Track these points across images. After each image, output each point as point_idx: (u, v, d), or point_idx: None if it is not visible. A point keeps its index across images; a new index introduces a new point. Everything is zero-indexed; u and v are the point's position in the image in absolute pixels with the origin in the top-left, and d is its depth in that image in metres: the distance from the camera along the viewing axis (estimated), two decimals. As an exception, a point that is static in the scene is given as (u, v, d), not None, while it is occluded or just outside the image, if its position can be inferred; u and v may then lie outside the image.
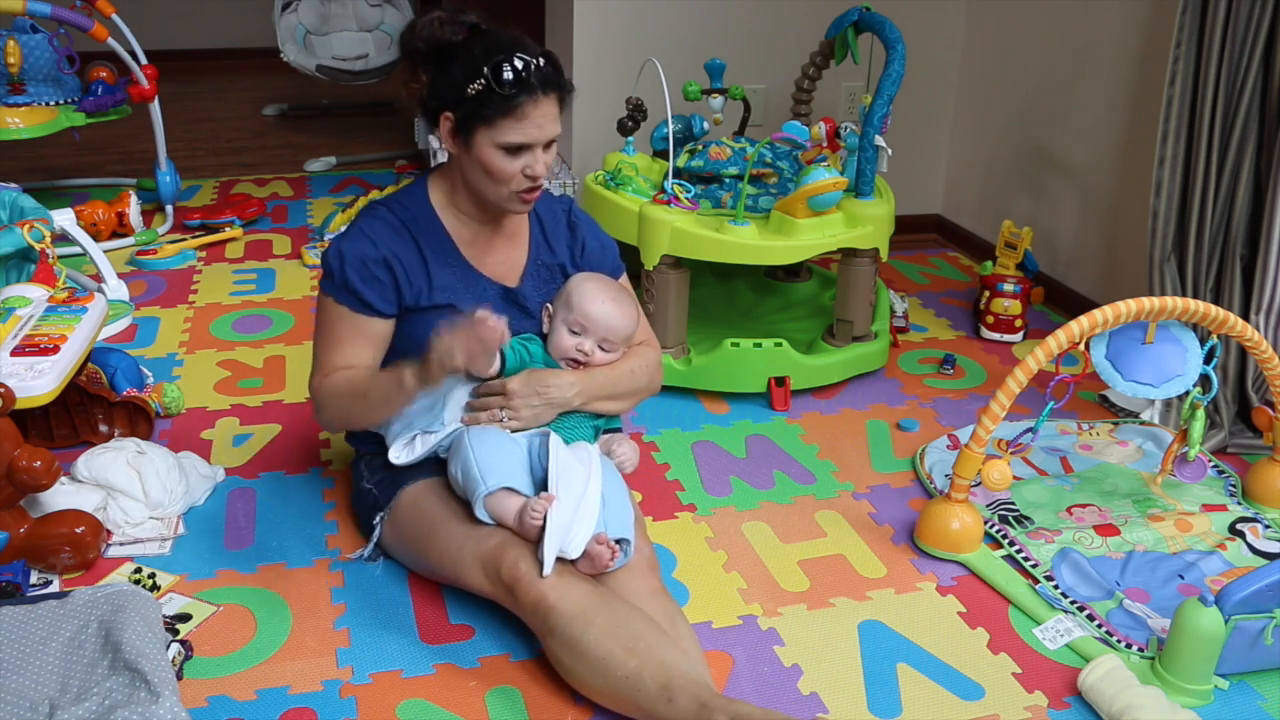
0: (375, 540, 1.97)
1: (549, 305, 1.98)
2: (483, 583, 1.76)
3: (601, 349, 1.94)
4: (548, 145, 1.82)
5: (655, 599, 1.73)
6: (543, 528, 1.70)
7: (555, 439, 1.84)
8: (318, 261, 3.38)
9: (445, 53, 1.79)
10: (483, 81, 1.74)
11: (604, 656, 1.60)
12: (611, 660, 1.60)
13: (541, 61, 1.77)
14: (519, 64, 1.74)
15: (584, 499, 1.75)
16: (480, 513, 1.76)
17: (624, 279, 2.08)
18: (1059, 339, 1.93)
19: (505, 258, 1.97)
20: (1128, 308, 1.95)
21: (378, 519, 1.95)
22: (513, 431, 1.86)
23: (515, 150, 1.78)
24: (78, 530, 1.92)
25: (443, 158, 3.33)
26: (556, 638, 1.65)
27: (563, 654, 1.65)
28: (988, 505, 2.19)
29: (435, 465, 1.91)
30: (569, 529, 1.71)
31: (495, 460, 1.77)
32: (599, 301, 1.92)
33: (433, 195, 1.93)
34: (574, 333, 1.92)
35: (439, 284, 1.89)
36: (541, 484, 1.78)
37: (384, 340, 1.90)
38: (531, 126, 1.77)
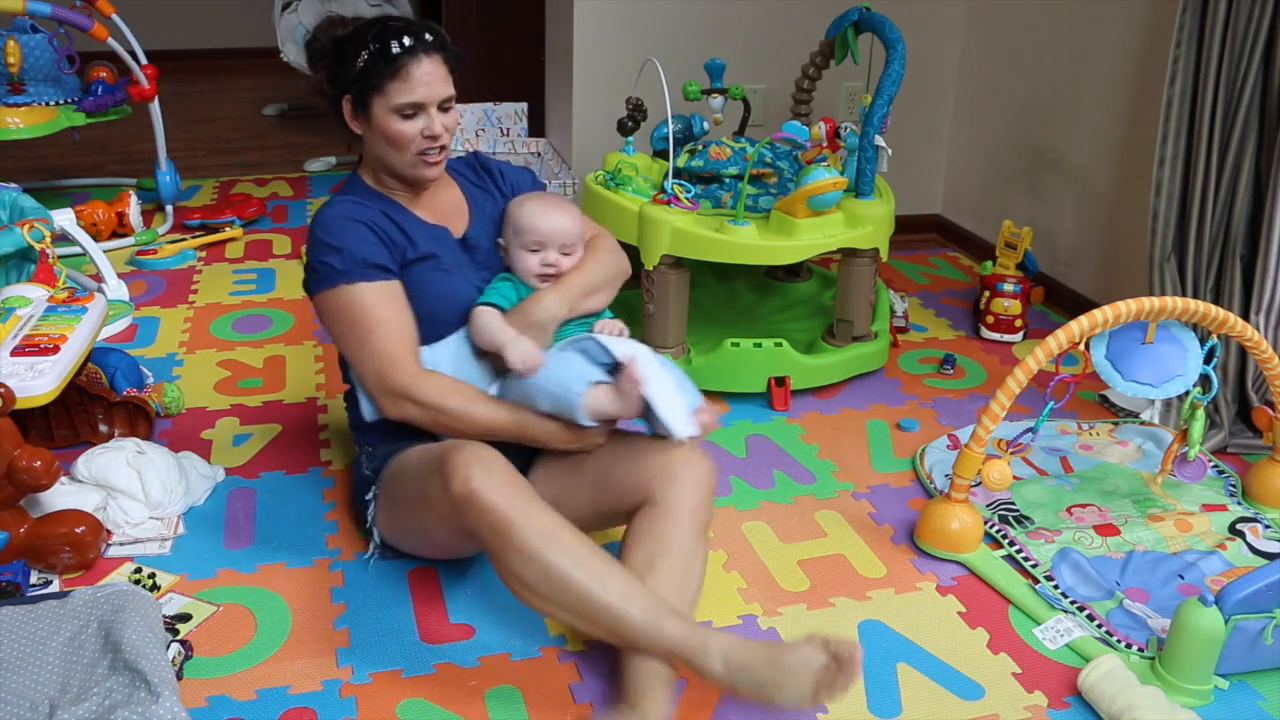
0: (371, 518, 1.94)
1: (500, 240, 2.02)
2: (441, 501, 1.70)
3: (564, 255, 1.98)
4: (444, 107, 1.90)
5: (698, 515, 1.79)
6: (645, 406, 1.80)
7: (599, 334, 1.92)
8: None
9: (339, 45, 1.90)
10: (367, 52, 1.85)
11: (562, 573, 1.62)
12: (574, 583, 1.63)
13: (422, 28, 1.88)
14: (400, 31, 1.85)
15: (669, 375, 1.87)
16: (583, 419, 1.82)
17: None
18: (1059, 339, 1.93)
19: (444, 208, 2.02)
20: (1128, 308, 1.95)
21: (370, 494, 1.93)
22: (526, 370, 1.84)
23: (410, 113, 1.87)
24: (78, 530, 1.92)
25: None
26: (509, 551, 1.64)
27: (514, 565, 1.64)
28: (988, 505, 2.19)
29: (429, 438, 1.92)
30: (675, 397, 1.83)
31: (569, 370, 1.84)
32: (544, 214, 1.98)
33: (366, 180, 2.00)
34: (534, 251, 1.97)
35: (415, 236, 1.94)
36: (612, 371, 1.85)
37: (406, 302, 1.91)
38: (420, 86, 1.85)
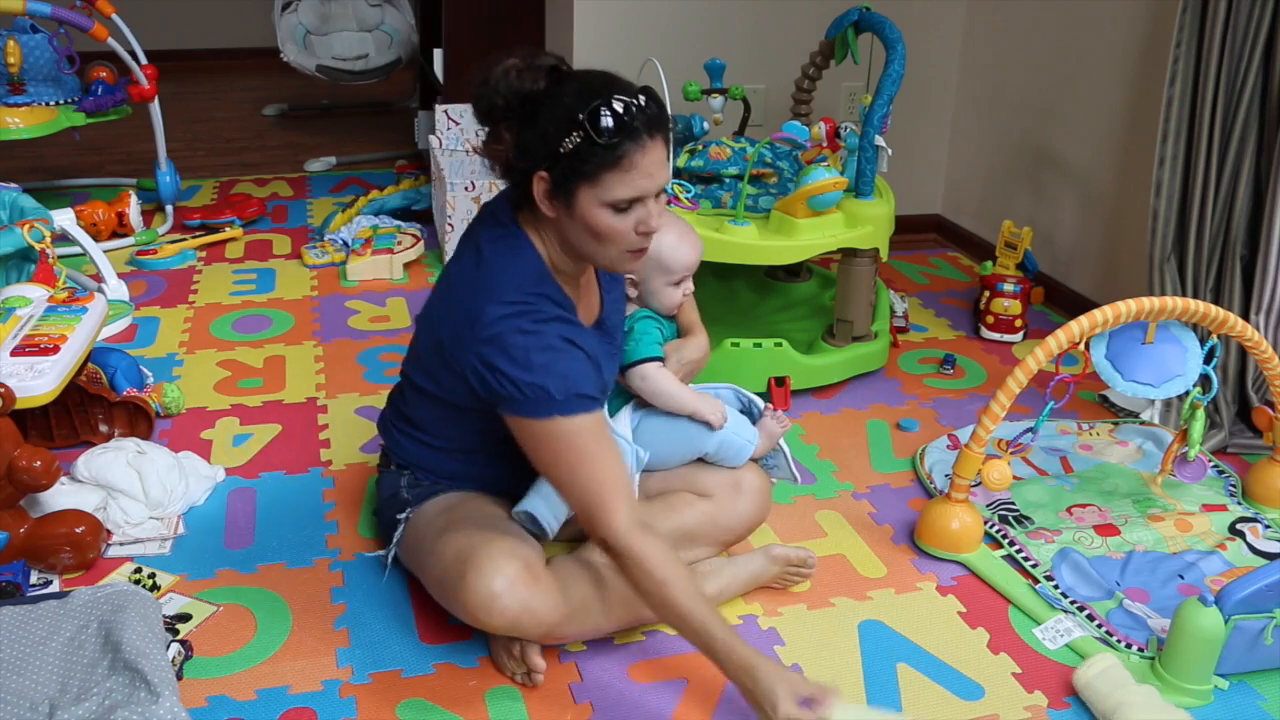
0: (397, 539, 1.87)
1: (630, 275, 1.94)
2: (470, 614, 1.69)
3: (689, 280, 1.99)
4: (659, 194, 1.60)
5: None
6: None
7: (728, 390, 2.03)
8: (318, 261, 3.38)
9: (530, 105, 1.56)
10: (580, 134, 1.52)
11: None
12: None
13: (643, 100, 1.55)
14: (619, 108, 1.52)
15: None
16: (742, 463, 1.96)
17: None
18: (1059, 339, 1.93)
19: (591, 298, 1.82)
20: (1128, 308, 1.95)
21: (404, 515, 1.86)
22: (722, 425, 1.93)
23: (626, 206, 1.57)
24: (78, 530, 1.92)
25: (443, 160, 3.35)
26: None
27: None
28: (988, 505, 2.19)
29: (481, 484, 1.88)
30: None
31: (735, 418, 1.95)
32: (683, 246, 1.94)
33: (536, 246, 1.68)
34: (677, 284, 1.96)
35: (601, 363, 1.73)
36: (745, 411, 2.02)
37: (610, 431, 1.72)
38: (641, 177, 1.55)
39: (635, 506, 1.62)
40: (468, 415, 1.75)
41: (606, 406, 1.90)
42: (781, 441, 2.02)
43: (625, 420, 1.93)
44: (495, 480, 1.86)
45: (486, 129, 1.63)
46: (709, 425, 1.91)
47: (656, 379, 1.91)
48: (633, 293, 1.97)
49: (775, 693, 1.51)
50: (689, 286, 1.98)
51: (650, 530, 1.62)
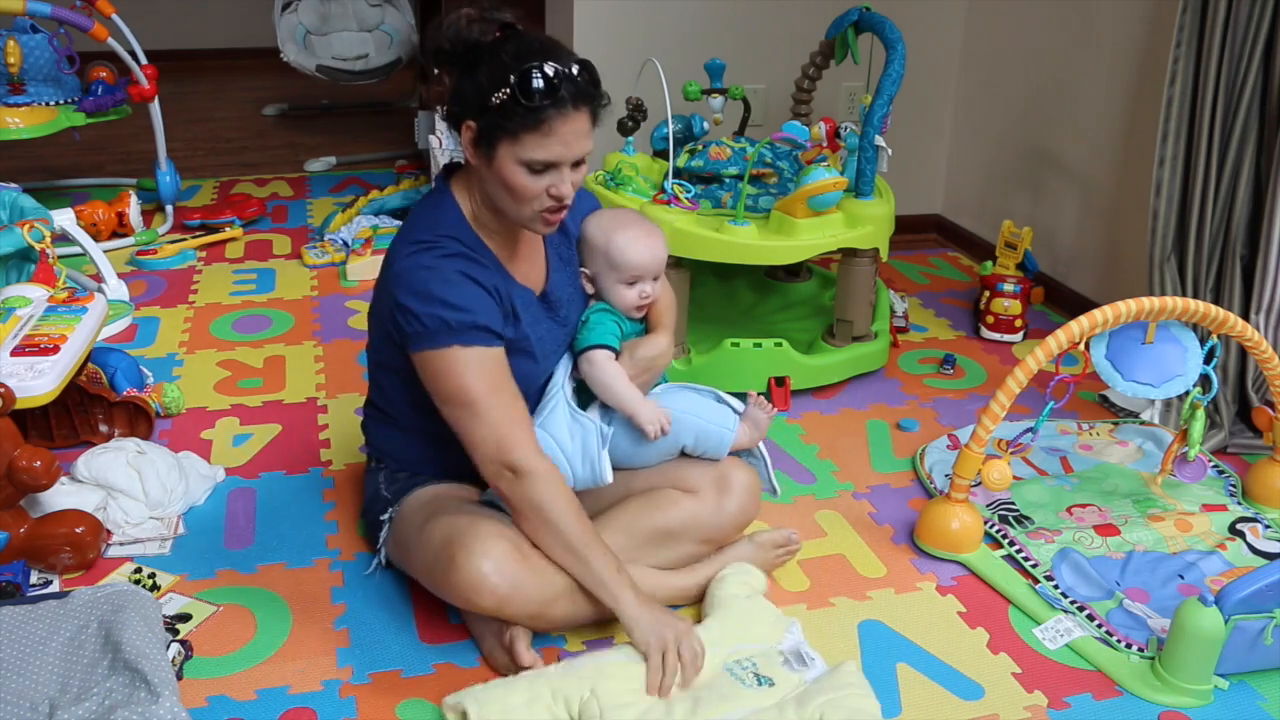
0: (383, 540, 1.89)
1: (585, 270, 1.92)
2: (458, 596, 1.71)
3: (655, 281, 1.93)
4: (577, 164, 1.68)
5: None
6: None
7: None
8: (318, 261, 3.38)
9: (472, 54, 1.65)
10: (508, 90, 1.60)
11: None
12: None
13: (575, 70, 1.64)
14: (550, 72, 1.60)
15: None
16: (724, 453, 1.94)
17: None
18: (1059, 339, 1.93)
19: (530, 259, 1.86)
20: (1128, 308, 1.95)
21: (386, 514, 1.89)
22: (660, 434, 1.87)
23: (540, 168, 1.65)
24: (78, 530, 1.92)
25: (443, 159, 3.35)
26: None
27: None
28: (988, 505, 2.19)
29: (449, 470, 1.89)
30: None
31: (712, 409, 1.94)
32: (636, 245, 1.87)
33: (462, 207, 1.78)
34: (631, 284, 1.90)
35: (520, 311, 1.78)
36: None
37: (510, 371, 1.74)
38: (558, 144, 1.63)
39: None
40: (416, 382, 1.77)
41: (576, 399, 1.88)
42: (763, 449, 1.99)
43: (595, 413, 1.89)
44: (461, 468, 1.82)
45: (432, 69, 1.72)
46: (644, 434, 1.84)
47: (604, 368, 1.85)
48: (589, 288, 1.94)
49: (647, 644, 1.65)
50: (646, 289, 1.90)
51: (549, 463, 1.73)
